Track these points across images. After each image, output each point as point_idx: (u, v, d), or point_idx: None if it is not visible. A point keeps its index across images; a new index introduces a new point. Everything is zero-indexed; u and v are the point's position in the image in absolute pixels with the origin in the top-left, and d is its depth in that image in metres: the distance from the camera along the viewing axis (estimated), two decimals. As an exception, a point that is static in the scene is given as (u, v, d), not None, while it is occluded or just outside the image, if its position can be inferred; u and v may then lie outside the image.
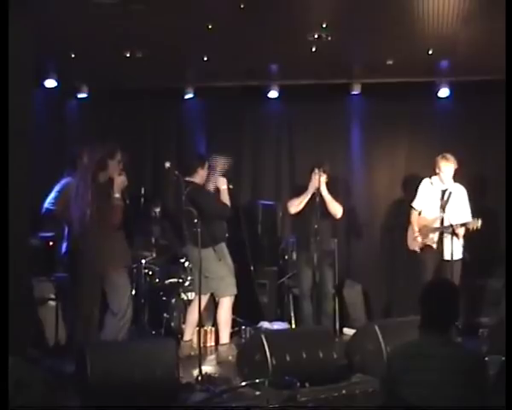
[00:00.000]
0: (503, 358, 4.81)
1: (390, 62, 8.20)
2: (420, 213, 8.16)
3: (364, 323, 8.29)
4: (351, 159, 9.59)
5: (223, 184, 7.51)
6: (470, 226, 7.70)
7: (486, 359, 4.00)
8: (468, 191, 8.13)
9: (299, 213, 8.10)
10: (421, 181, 8.27)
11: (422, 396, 3.59)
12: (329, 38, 7.11)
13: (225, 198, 7.49)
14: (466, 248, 7.90)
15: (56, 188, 6.77)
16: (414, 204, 8.26)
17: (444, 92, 9.17)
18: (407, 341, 4.03)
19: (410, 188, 9.20)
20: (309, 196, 7.93)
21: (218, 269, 7.29)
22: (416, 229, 8.08)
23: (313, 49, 7.45)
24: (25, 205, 5.57)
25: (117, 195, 6.45)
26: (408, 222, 8.26)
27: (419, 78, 8.88)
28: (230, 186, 7.60)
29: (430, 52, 7.72)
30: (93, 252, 6.34)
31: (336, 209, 8.06)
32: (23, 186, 5.47)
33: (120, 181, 6.50)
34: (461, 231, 7.75)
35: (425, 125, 9.32)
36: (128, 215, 6.77)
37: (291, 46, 7.49)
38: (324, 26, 6.85)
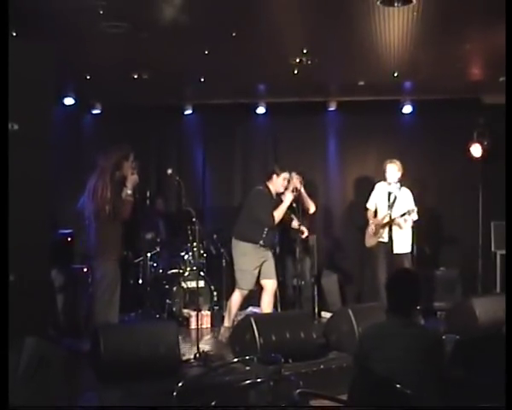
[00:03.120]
0: (457, 336, 4.85)
1: (361, 83, 8.22)
2: (375, 214, 8.05)
3: (339, 307, 8.30)
4: (328, 166, 9.60)
5: (287, 200, 7.29)
6: (407, 217, 7.59)
7: (443, 337, 4.03)
8: (423, 193, 8.11)
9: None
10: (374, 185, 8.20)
11: (389, 370, 3.61)
12: (309, 62, 7.12)
13: (280, 211, 7.24)
14: (425, 242, 7.90)
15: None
16: (367, 204, 8.12)
17: (407, 109, 9.22)
18: (376, 322, 4.06)
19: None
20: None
21: (240, 263, 7.15)
22: (373, 227, 7.91)
23: (295, 72, 7.46)
24: (48, 206, 5.56)
25: (129, 191, 6.42)
26: (366, 221, 8.13)
27: (386, 96, 8.92)
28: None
29: (395, 74, 7.75)
30: (100, 241, 6.30)
31: (310, 205, 7.99)
32: (45, 190, 5.46)
33: (134, 179, 6.47)
34: (402, 223, 7.61)
35: (391, 137, 9.34)
36: (137, 213, 6.76)
37: (276, 69, 7.50)
38: (305, 51, 6.86)
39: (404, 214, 7.55)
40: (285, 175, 7.35)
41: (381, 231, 7.77)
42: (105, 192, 6.19)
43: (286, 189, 7.36)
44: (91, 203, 6.24)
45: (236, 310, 7.24)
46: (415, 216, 7.56)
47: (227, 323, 7.20)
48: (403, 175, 7.88)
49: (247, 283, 7.12)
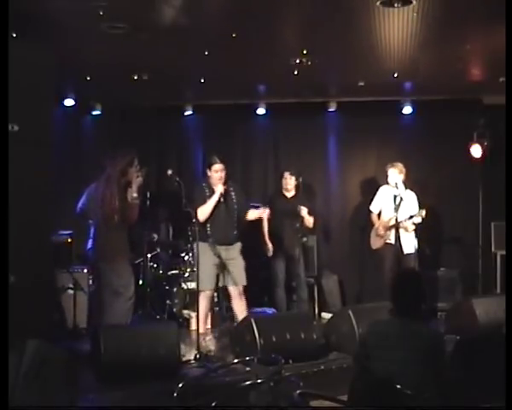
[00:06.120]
0: (457, 337, 4.84)
1: (361, 84, 8.22)
2: (379, 216, 8.15)
3: (340, 308, 8.30)
4: (328, 167, 9.60)
5: (215, 195, 6.82)
6: (416, 219, 7.70)
7: (444, 338, 4.03)
8: (424, 194, 8.16)
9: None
10: (378, 188, 8.29)
11: (390, 369, 3.61)
12: (309, 63, 7.12)
13: (205, 207, 6.83)
14: (425, 243, 7.93)
15: (87, 191, 6.63)
16: (371, 207, 8.26)
17: (407, 110, 9.22)
18: (379, 321, 4.06)
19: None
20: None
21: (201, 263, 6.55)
22: (380, 229, 8.01)
23: (295, 72, 7.46)
24: (48, 207, 5.56)
25: (135, 194, 6.46)
26: (370, 224, 8.25)
27: (386, 97, 8.93)
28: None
29: (395, 75, 7.75)
30: (110, 245, 6.35)
31: (309, 223, 8.03)
32: (46, 191, 5.47)
33: (139, 182, 6.52)
34: (410, 225, 7.75)
35: (391, 137, 9.36)
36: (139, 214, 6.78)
37: (276, 69, 7.50)
38: (305, 52, 6.86)
39: (412, 217, 7.69)
40: (216, 167, 6.81)
41: (388, 233, 7.89)
42: (114, 200, 6.26)
43: (222, 181, 6.83)
44: (100, 211, 6.29)
45: (204, 314, 6.88)
46: (420, 219, 7.71)
47: (200, 329, 6.61)
48: (406, 177, 7.97)
49: (203, 283, 6.59)
